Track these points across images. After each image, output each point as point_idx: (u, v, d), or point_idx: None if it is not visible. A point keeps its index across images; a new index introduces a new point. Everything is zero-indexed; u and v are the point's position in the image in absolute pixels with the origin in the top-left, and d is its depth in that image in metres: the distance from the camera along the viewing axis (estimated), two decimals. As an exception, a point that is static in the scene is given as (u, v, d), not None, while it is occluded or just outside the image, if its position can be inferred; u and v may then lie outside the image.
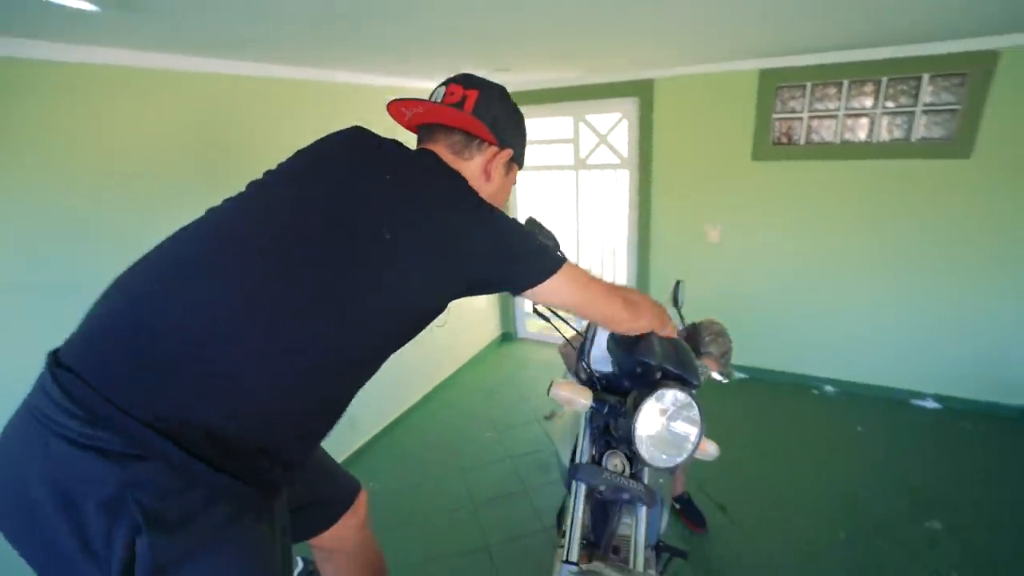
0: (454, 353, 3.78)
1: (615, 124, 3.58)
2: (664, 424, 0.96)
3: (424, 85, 3.21)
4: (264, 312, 0.73)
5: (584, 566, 0.93)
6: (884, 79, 2.76)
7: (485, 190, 0.97)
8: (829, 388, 3.36)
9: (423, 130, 1.01)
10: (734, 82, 3.07)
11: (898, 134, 2.84)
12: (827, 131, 2.98)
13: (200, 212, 0.86)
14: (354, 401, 2.70)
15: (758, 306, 3.42)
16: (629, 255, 3.82)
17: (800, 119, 3.00)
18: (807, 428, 3.00)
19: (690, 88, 3.20)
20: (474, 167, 0.97)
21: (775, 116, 3.04)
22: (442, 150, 0.97)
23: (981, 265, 2.82)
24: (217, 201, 0.87)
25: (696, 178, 3.35)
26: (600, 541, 1.02)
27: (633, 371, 1.04)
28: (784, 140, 3.08)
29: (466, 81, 0.98)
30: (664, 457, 0.96)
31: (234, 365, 0.71)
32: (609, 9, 1.63)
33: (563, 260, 0.93)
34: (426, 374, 3.51)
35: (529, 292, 0.91)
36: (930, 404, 3.12)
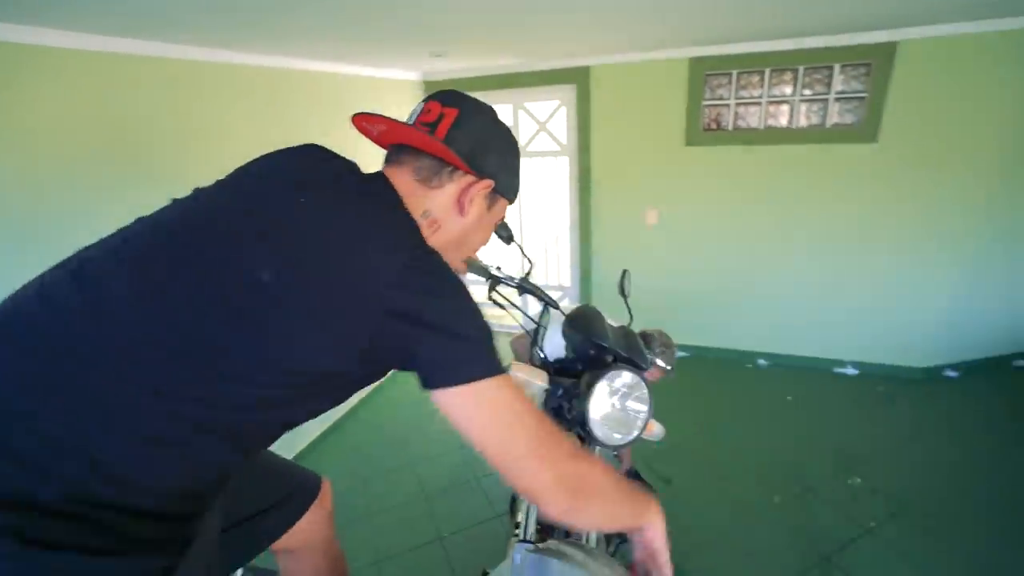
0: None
1: (554, 111, 3.60)
2: (615, 404, 0.98)
3: (365, 72, 3.09)
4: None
5: (539, 544, 0.94)
6: (801, 68, 2.93)
7: (454, 226, 0.83)
8: (762, 362, 3.57)
9: (392, 150, 0.85)
10: (666, 70, 3.16)
11: (815, 120, 3.03)
12: (752, 117, 3.13)
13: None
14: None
15: (696, 286, 3.57)
16: (572, 241, 3.87)
17: (728, 106, 3.14)
18: (743, 401, 3.17)
19: (625, 75, 3.27)
20: (444, 198, 0.81)
21: (705, 103, 3.16)
22: (406, 176, 0.80)
23: (889, 241, 3.07)
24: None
25: (634, 163, 3.44)
26: (554, 523, 1.02)
27: (587, 354, 1.05)
28: (714, 126, 3.21)
29: (447, 98, 0.84)
30: (616, 436, 0.97)
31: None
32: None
33: (501, 369, 0.70)
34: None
35: (437, 394, 0.68)
36: (850, 371, 3.38)
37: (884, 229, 3.07)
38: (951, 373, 3.25)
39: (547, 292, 1.18)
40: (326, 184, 0.75)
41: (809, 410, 3.03)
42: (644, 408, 0.99)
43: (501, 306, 1.17)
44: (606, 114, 3.40)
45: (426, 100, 0.85)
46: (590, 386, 0.95)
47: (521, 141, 3.75)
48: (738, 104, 3.12)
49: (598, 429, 0.96)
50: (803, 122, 3.05)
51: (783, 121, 3.08)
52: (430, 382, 0.68)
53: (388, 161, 0.84)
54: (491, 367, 0.68)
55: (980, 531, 2.10)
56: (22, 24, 1.53)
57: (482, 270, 1.28)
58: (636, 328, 1.94)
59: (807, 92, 2.98)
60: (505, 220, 1.31)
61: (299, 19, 1.76)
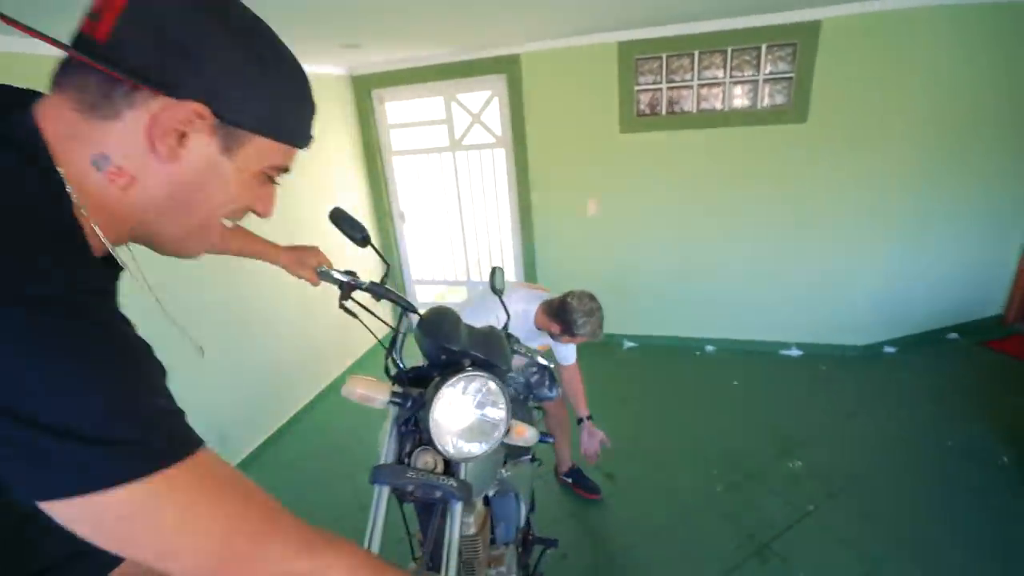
0: (341, 352, 3.54)
1: (487, 102, 3.48)
2: (474, 412, 0.88)
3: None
4: None
5: None
6: (729, 49, 2.89)
7: (158, 176, 0.51)
8: (709, 348, 3.55)
9: (59, 68, 0.50)
10: (596, 55, 3.08)
11: (746, 102, 3.00)
12: (685, 101, 3.08)
13: None
14: (222, 416, 2.30)
15: (640, 275, 3.52)
16: (513, 236, 3.78)
17: (659, 90, 3.08)
18: (689, 388, 3.14)
19: (555, 62, 3.17)
20: (128, 136, 0.49)
21: (637, 88, 3.10)
22: (66, 107, 0.49)
23: (824, 221, 3.08)
24: None
25: (570, 153, 3.35)
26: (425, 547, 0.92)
27: (438, 359, 0.94)
28: (647, 111, 3.15)
29: None
30: (472, 448, 0.88)
31: None
32: None
33: (181, 451, 0.47)
34: (311, 378, 3.26)
35: (54, 507, 0.42)
36: (794, 352, 3.40)
37: (818, 210, 3.07)
38: (889, 349, 3.29)
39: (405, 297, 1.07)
40: None
41: (754, 394, 3.02)
42: (501, 415, 0.90)
43: (353, 314, 1.05)
44: (539, 103, 3.30)
45: None
46: (433, 395, 0.85)
47: (456, 134, 3.63)
48: (670, 88, 3.07)
49: (442, 438, 0.88)
50: (735, 104, 3.02)
51: (716, 104, 3.05)
52: (33, 491, 0.42)
53: (53, 85, 0.50)
54: (164, 453, 0.46)
55: (918, 510, 2.11)
56: None
57: (329, 276, 1.16)
58: (567, 289, 1.88)
59: (737, 74, 2.95)
60: (353, 217, 1.14)
61: None
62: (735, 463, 2.46)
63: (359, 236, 1.12)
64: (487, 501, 1.34)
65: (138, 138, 0.49)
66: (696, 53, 2.94)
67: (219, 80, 0.50)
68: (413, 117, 3.76)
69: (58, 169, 0.47)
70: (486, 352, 0.95)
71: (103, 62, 0.46)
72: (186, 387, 2.43)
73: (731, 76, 2.95)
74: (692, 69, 2.99)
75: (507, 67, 3.25)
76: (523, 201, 3.57)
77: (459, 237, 3.99)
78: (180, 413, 0.51)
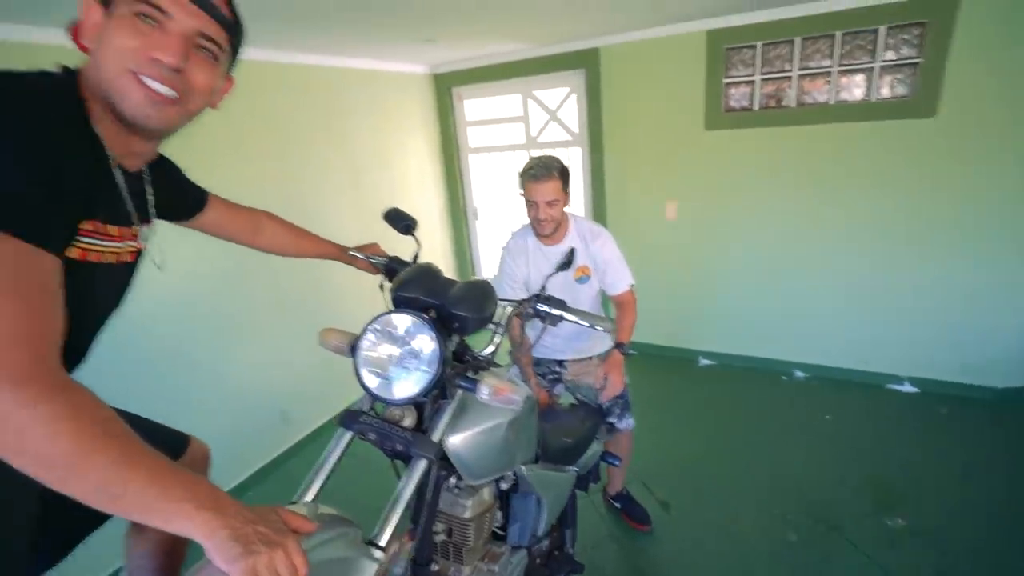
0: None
1: (564, 99, 3.37)
2: (397, 349, 0.89)
3: (366, 65, 3.03)
4: None
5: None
6: (839, 34, 2.52)
7: (90, 61, 0.71)
8: (799, 373, 3.13)
9: None
10: (682, 46, 2.85)
11: (858, 94, 2.60)
12: (783, 94, 2.74)
13: None
14: (286, 395, 2.90)
15: (722, 286, 3.20)
16: (586, 239, 3.61)
17: (752, 82, 2.77)
18: (771, 417, 2.78)
19: (637, 55, 2.98)
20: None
21: (726, 81, 2.81)
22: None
23: (953, 237, 2.58)
24: None
25: (649, 152, 3.13)
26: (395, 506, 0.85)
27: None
28: (737, 106, 2.85)
29: None
30: (401, 387, 0.88)
31: None
32: None
33: (5, 218, 0.57)
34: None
35: None
36: (907, 388, 2.88)
37: (946, 222, 2.57)
38: (1039, 395, 2.68)
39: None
40: None
41: (850, 432, 2.59)
42: (428, 349, 0.87)
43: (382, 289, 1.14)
44: (618, 99, 3.12)
45: None
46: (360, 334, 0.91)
47: (532, 132, 3.55)
48: (765, 80, 2.75)
49: (366, 378, 0.89)
50: (844, 96, 2.63)
51: (820, 97, 2.68)
52: None
53: None
54: None
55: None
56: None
57: (373, 260, 1.37)
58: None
59: (848, 62, 2.56)
60: (398, 208, 1.30)
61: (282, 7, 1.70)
62: (816, 510, 2.11)
63: (401, 225, 1.28)
64: (503, 496, 1.26)
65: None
66: (797, 40, 2.60)
67: None
68: (490, 114, 3.74)
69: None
70: (425, 292, 0.95)
71: None
72: (251, 366, 2.56)
73: (840, 64, 2.57)
74: (792, 58, 2.65)
75: (585, 61, 3.12)
76: (597, 202, 3.40)
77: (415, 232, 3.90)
78: (43, 212, 0.60)
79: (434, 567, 1.11)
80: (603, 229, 1.84)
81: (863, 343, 2.93)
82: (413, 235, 1.30)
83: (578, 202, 3.59)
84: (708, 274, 3.21)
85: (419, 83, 3.58)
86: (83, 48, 0.72)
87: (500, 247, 1.94)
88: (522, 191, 1.74)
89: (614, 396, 1.76)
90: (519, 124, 3.57)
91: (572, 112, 3.37)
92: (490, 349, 1.05)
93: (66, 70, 0.72)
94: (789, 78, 2.69)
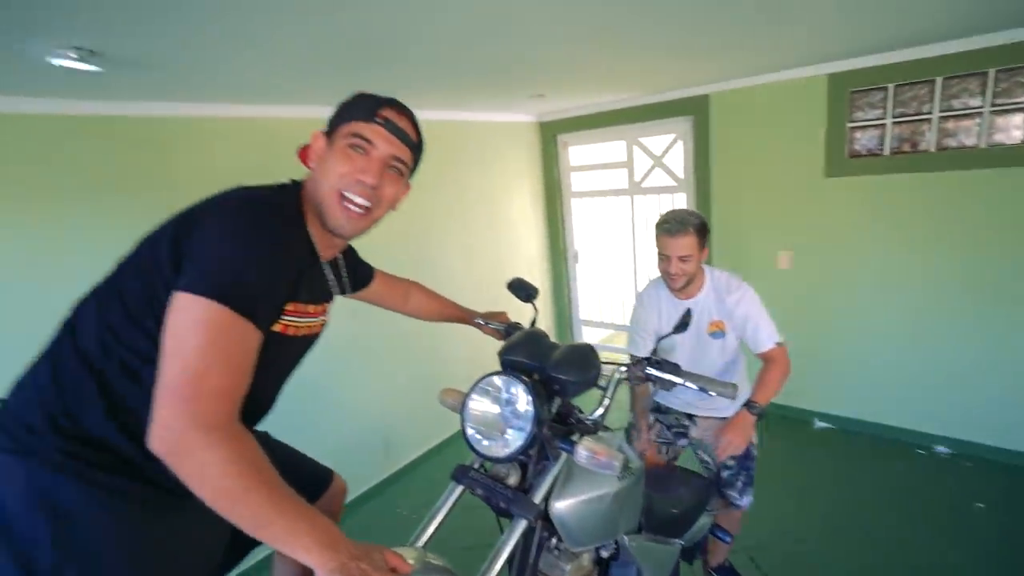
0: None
1: (670, 145, 3.36)
2: (498, 410, 0.95)
3: (479, 118, 3.28)
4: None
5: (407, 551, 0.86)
6: (992, 71, 2.27)
7: (310, 180, 0.95)
8: (941, 449, 2.73)
9: None
10: (799, 91, 2.73)
11: (1017, 136, 2.30)
12: (921, 138, 2.51)
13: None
14: (388, 425, 2.49)
15: (842, 342, 2.92)
16: (689, 285, 3.50)
17: (882, 126, 2.57)
18: (904, 497, 2.44)
19: (750, 101, 2.91)
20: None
21: (850, 125, 2.64)
22: None
23: None
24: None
25: (761, 199, 3.00)
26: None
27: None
28: (864, 151, 2.65)
29: None
30: (499, 446, 0.93)
31: None
32: (656, 28, 1.64)
33: (228, 301, 0.72)
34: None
35: (173, 297, 0.74)
36: (1090, 480, 2.39)
37: None
38: None
39: None
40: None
41: (1010, 526, 2.19)
42: (525, 410, 0.91)
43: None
44: (727, 145, 3.05)
45: None
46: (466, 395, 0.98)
47: (636, 177, 3.56)
48: (897, 123, 2.53)
49: (469, 435, 0.95)
50: (1000, 138, 2.34)
51: (968, 140, 2.41)
52: (178, 284, 0.75)
53: None
54: (218, 290, 0.73)
55: None
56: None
57: (496, 328, 1.51)
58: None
59: (1004, 101, 2.29)
60: (522, 279, 1.43)
61: (419, 76, 1.96)
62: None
63: (523, 294, 1.42)
64: (602, 562, 1.24)
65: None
66: (938, 80, 2.38)
67: (332, 117, 0.95)
68: (594, 160, 3.82)
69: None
70: (529, 355, 1.00)
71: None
72: (360, 394, 2.78)
73: (993, 104, 2.31)
74: (931, 99, 2.43)
75: (694, 108, 3.09)
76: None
77: (631, 281, 3.87)
78: (266, 300, 0.80)
79: None
80: (742, 284, 1.73)
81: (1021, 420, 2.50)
82: (532, 303, 1.41)
83: (682, 247, 3.51)
84: (826, 328, 2.95)
85: (526, 131, 3.77)
86: (307, 165, 0.96)
87: (634, 296, 2.00)
88: (656, 243, 1.70)
89: (733, 458, 1.67)
90: (623, 169, 3.60)
91: (678, 158, 3.34)
92: (599, 412, 1.06)
93: (294, 183, 0.96)
94: (928, 120, 2.46)
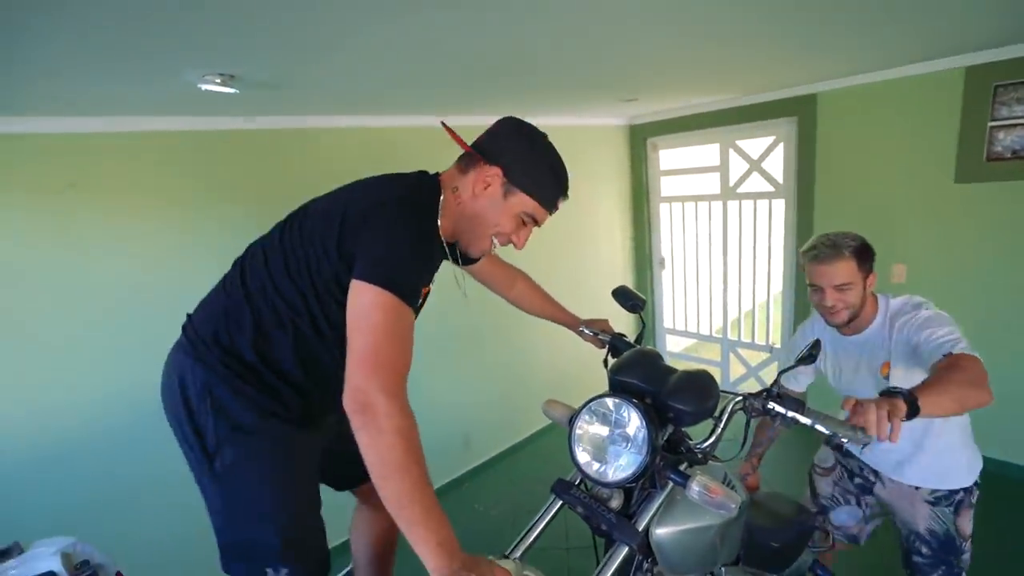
0: (585, 381, 3.67)
1: (769, 148, 3.15)
2: (607, 433, 0.94)
3: (573, 122, 3.27)
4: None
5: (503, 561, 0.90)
6: None
7: (472, 203, 1.05)
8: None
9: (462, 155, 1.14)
10: (926, 87, 2.46)
11: None
12: (1082, 139, 2.17)
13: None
14: (469, 420, 2.92)
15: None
16: (785, 296, 3.28)
17: (1032, 125, 2.25)
18: (998, 531, 2.12)
19: (863, 100, 2.66)
20: (468, 180, 1.05)
21: (992, 124, 2.33)
22: (453, 167, 1.10)
23: None
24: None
25: (872, 206, 2.74)
26: None
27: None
28: (1008, 154, 2.33)
29: (499, 121, 1.10)
30: (608, 469, 0.93)
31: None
32: (756, 25, 1.53)
33: (396, 291, 0.87)
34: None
35: (352, 284, 0.90)
36: None
37: None
38: None
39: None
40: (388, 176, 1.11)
41: None
42: (637, 433, 0.91)
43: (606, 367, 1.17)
44: (836, 148, 2.81)
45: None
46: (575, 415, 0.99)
47: (731, 181, 3.39)
48: (1052, 122, 2.21)
49: (578, 456, 0.96)
50: None
51: None
52: (355, 273, 0.90)
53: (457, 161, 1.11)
54: (388, 281, 0.87)
55: None
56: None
57: (600, 338, 1.48)
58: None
59: None
60: (628, 287, 1.45)
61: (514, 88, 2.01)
62: None
63: (628, 304, 1.43)
64: None
65: (471, 183, 1.05)
66: (1110, 70, 2.05)
67: (514, 161, 1.03)
68: (685, 163, 3.68)
69: (441, 193, 1.07)
70: (641, 377, 0.98)
71: (474, 149, 1.06)
72: (444, 391, 2.88)
73: None
74: (1100, 93, 2.09)
75: (798, 109, 2.89)
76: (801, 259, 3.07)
77: (720, 290, 3.68)
78: (417, 287, 0.93)
79: None
80: (919, 302, 1.38)
81: None
82: (640, 315, 1.39)
83: (778, 256, 3.30)
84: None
85: (615, 134, 3.70)
86: (452, 188, 1.08)
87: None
88: (806, 275, 1.45)
89: (929, 546, 1.43)
90: (715, 174, 3.44)
91: (776, 162, 3.13)
92: (710, 441, 1.02)
93: (432, 176, 1.10)
94: (1093, 118, 2.12)
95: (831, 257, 1.35)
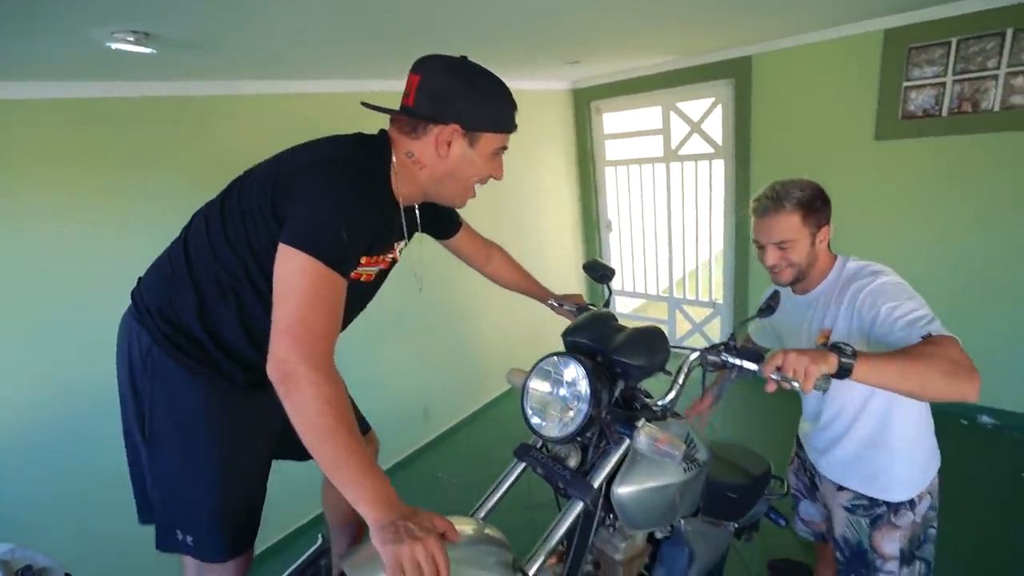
0: (541, 348, 3.74)
1: (708, 110, 3.24)
2: (555, 390, 0.98)
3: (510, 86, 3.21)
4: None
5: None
6: (1069, 22, 2.11)
7: (440, 165, 1.01)
8: (985, 418, 2.68)
9: (393, 116, 1.07)
10: (850, 49, 2.58)
11: (1092, 93, 2.15)
12: (983, 96, 2.36)
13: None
14: (428, 393, 2.87)
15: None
16: (726, 254, 3.44)
17: (942, 84, 2.43)
18: (947, 466, 2.41)
19: (795, 62, 2.77)
20: (424, 146, 1.00)
21: (906, 84, 2.50)
22: (395, 130, 1.03)
23: None
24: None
25: (803, 166, 2.89)
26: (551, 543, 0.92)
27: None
28: (919, 112, 2.51)
29: (415, 66, 1.00)
30: (541, 423, 0.98)
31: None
32: None
33: (322, 256, 0.84)
34: (511, 366, 3.50)
35: (279, 252, 0.87)
36: None
37: None
38: None
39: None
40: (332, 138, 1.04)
41: (1059, 498, 2.17)
42: (581, 391, 0.94)
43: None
44: (769, 109, 2.93)
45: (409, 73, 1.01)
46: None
47: (673, 144, 3.47)
48: (959, 81, 2.39)
49: (528, 415, 0.99)
50: (1071, 97, 2.19)
51: (1036, 98, 2.26)
52: (282, 237, 0.87)
53: (391, 122, 1.05)
54: (315, 247, 0.84)
55: None
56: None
57: (570, 311, 1.48)
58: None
59: (1080, 55, 2.13)
60: (598, 260, 1.44)
61: (449, 42, 1.91)
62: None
63: (598, 275, 1.42)
64: (655, 541, 1.28)
65: (429, 148, 0.99)
66: (1009, 32, 2.22)
67: (464, 110, 0.97)
68: (629, 127, 3.73)
69: (392, 155, 1.01)
70: (591, 337, 1.02)
71: (412, 115, 0.99)
72: (402, 365, 2.86)
73: (1068, 58, 2.15)
74: (1000, 53, 2.27)
75: (735, 71, 2.97)
76: (741, 217, 3.22)
77: (665, 251, 3.82)
78: (347, 254, 0.89)
79: None
80: (877, 269, 1.23)
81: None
82: (608, 285, 1.41)
83: (718, 216, 3.44)
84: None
85: (558, 98, 3.68)
86: (413, 157, 1.03)
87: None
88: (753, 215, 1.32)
89: (843, 553, 1.32)
90: (658, 136, 3.51)
91: (716, 124, 3.23)
92: (668, 398, 1.04)
93: (382, 134, 1.04)
94: (994, 76, 2.31)
95: (771, 210, 1.24)
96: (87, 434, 1.76)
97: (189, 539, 1.06)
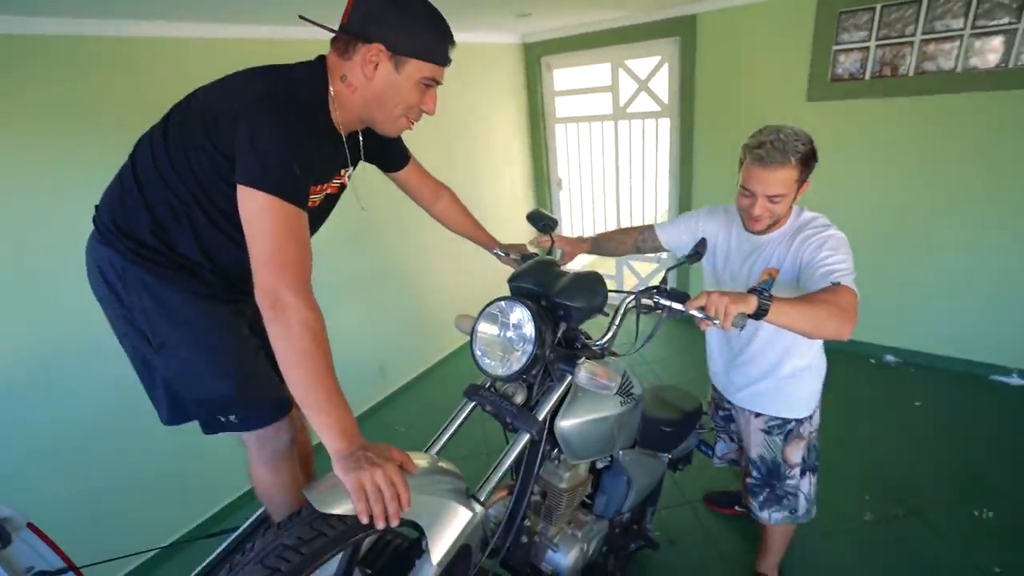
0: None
1: (655, 68, 3.31)
2: (501, 332, 1.04)
3: (459, 38, 3.13)
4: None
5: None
6: (977, -8, 2.29)
7: (367, 88, 1.00)
8: (889, 357, 3.02)
9: (333, 38, 1.05)
10: (788, 11, 2.69)
11: (992, 59, 2.36)
12: (901, 61, 2.54)
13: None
14: (383, 349, 2.95)
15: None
16: (671, 211, 3.60)
17: (866, 49, 2.59)
18: (853, 400, 2.73)
19: (737, 22, 2.86)
20: (354, 66, 0.99)
21: (836, 48, 2.64)
22: (333, 53, 1.03)
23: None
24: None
25: (742, 124, 2.99)
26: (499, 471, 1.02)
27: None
28: (846, 75, 2.68)
29: None
30: (498, 365, 1.04)
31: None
32: None
33: (279, 193, 0.88)
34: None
35: (239, 191, 0.90)
36: (1015, 380, 2.71)
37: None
38: None
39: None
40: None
41: (942, 422, 2.51)
42: (526, 333, 1.00)
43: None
44: (712, 69, 3.02)
45: None
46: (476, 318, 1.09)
47: (621, 102, 3.53)
48: (881, 46, 2.55)
49: (476, 356, 1.06)
50: (975, 63, 2.40)
51: (946, 64, 2.46)
52: (237, 178, 0.90)
53: (331, 44, 1.04)
54: (274, 185, 0.87)
55: None
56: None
57: (516, 260, 1.50)
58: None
59: (985, 23, 2.33)
60: (541, 210, 1.47)
61: None
62: (896, 494, 2.12)
63: (541, 224, 1.48)
64: (597, 472, 1.40)
65: (356, 67, 0.99)
66: (925, 0, 2.39)
67: (390, 30, 0.96)
68: (579, 84, 3.74)
69: (328, 80, 1.01)
70: (536, 283, 1.09)
71: (344, 33, 0.98)
72: (356, 322, 2.86)
73: (974, 27, 2.34)
74: (916, 20, 2.44)
75: (681, 29, 3.03)
76: (684, 176, 3.36)
77: (614, 208, 3.94)
78: (300, 185, 0.92)
79: (525, 522, 1.27)
80: (827, 222, 1.32)
81: (967, 331, 2.77)
82: (550, 234, 1.47)
83: (664, 174, 3.56)
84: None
85: (509, 53, 3.63)
86: (337, 75, 1.02)
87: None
88: (741, 171, 1.29)
89: (758, 470, 1.54)
90: (608, 94, 3.55)
91: (663, 82, 3.31)
92: (606, 338, 1.12)
93: (320, 60, 1.03)
94: (911, 42, 2.49)
95: (777, 162, 1.20)
96: (52, 381, 1.67)
97: (232, 418, 1.11)
